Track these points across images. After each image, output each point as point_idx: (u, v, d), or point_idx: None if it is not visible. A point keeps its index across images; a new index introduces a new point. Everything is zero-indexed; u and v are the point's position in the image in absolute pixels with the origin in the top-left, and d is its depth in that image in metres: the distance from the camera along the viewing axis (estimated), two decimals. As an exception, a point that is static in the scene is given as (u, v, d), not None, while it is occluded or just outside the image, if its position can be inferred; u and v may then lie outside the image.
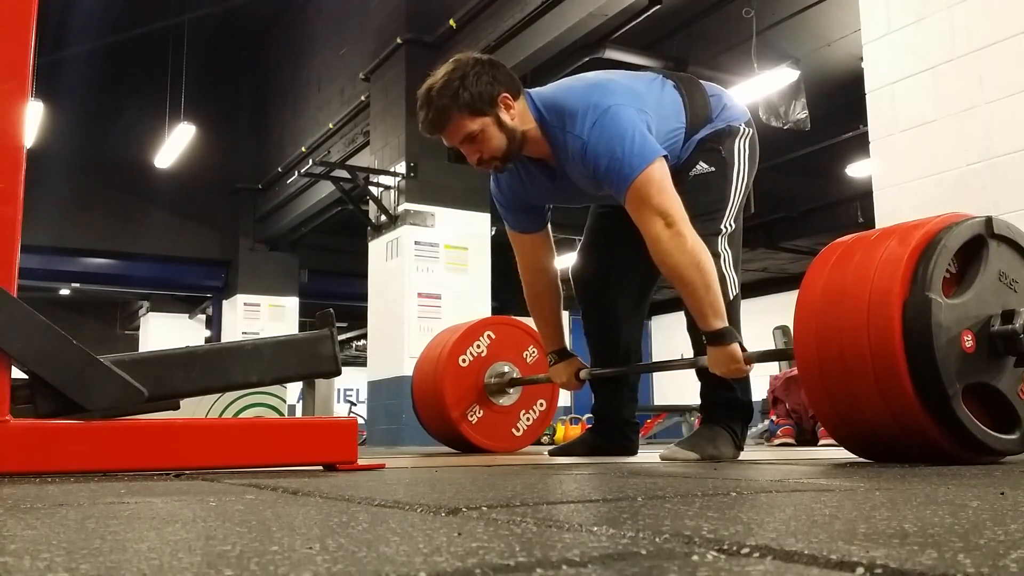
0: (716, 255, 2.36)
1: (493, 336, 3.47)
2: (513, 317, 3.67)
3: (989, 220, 1.77)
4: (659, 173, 2.24)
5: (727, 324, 2.26)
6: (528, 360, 3.51)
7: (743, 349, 2.28)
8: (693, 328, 2.44)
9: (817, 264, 1.88)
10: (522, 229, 2.74)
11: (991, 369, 1.71)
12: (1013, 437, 1.72)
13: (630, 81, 2.44)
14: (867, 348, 1.68)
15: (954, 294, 1.71)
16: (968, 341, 1.68)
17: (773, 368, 6.27)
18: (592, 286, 2.82)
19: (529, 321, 3.50)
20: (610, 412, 2.88)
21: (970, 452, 1.70)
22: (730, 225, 2.47)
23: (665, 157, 2.28)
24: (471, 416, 3.37)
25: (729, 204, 2.47)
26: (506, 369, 3.47)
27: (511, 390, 3.46)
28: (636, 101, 2.33)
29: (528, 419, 3.53)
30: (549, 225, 2.78)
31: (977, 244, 1.75)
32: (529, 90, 2.45)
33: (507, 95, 2.35)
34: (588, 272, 2.83)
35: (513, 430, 3.49)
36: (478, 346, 3.43)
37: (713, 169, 2.46)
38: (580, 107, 2.31)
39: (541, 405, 3.57)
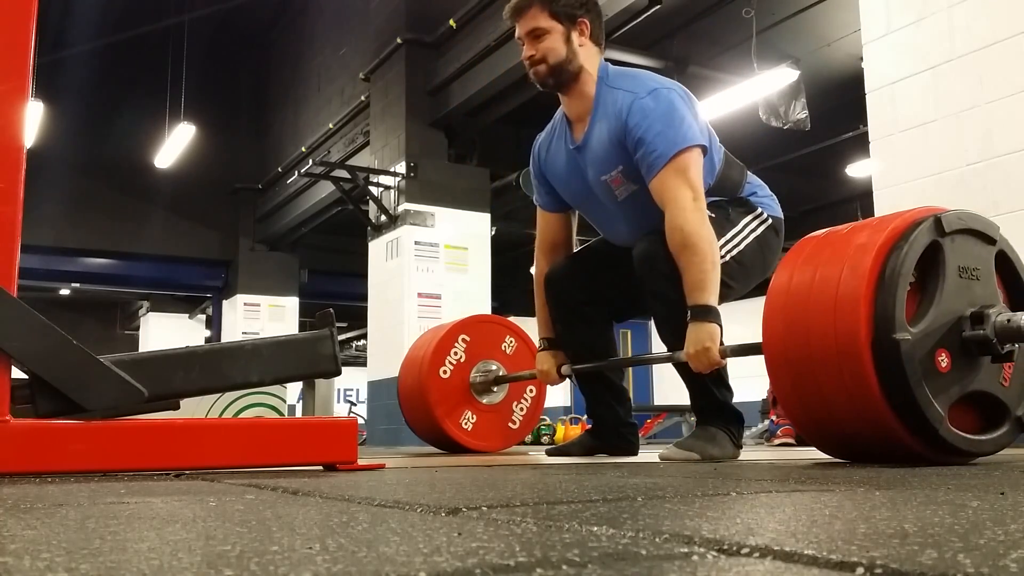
0: None
1: (468, 339, 3.45)
2: (483, 313, 3.67)
3: (938, 221, 1.71)
4: (699, 157, 2.37)
5: (716, 306, 2.28)
6: (508, 351, 3.50)
7: (721, 343, 2.29)
8: (668, 336, 2.46)
9: (779, 278, 1.84)
10: (542, 204, 2.82)
11: (970, 375, 1.69)
12: (1004, 430, 1.73)
13: (693, 97, 2.52)
14: (844, 389, 1.66)
15: (919, 314, 1.67)
16: (943, 361, 1.65)
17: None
18: (566, 286, 2.78)
19: (523, 322, 3.51)
20: (602, 414, 2.88)
21: (960, 459, 1.70)
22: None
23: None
24: (465, 424, 3.37)
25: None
26: (492, 367, 3.46)
27: (496, 388, 3.46)
28: (690, 107, 2.44)
29: (522, 409, 3.53)
30: (574, 212, 2.83)
31: (932, 249, 1.71)
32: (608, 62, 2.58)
33: (587, 24, 2.51)
34: (564, 275, 2.79)
35: (509, 424, 3.49)
36: (455, 353, 3.41)
37: (713, 216, 2.42)
38: (644, 78, 2.49)
39: (531, 392, 3.57)
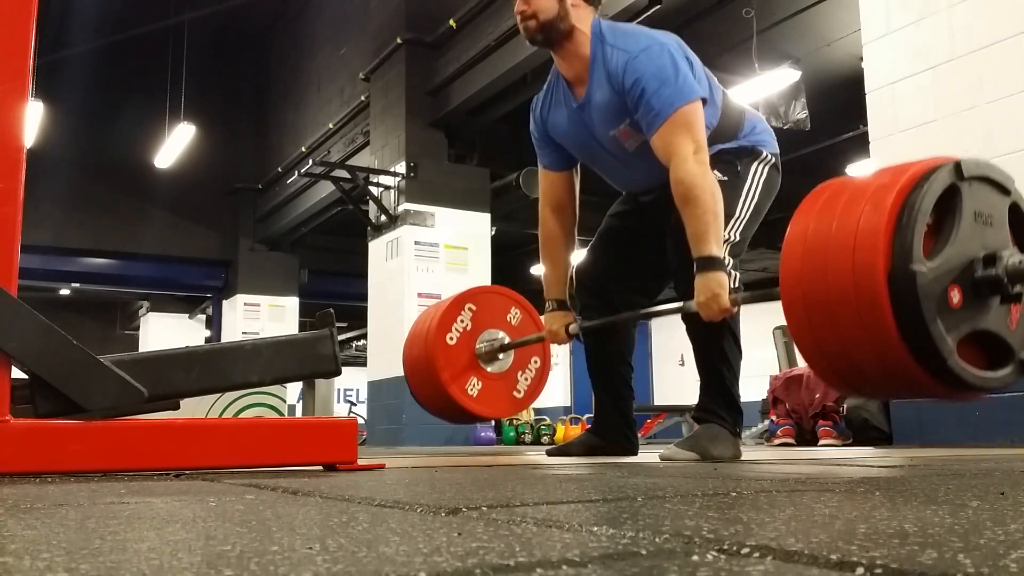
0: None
1: (474, 308, 3.49)
2: (489, 286, 3.68)
3: (958, 165, 1.77)
4: (700, 111, 2.38)
5: (721, 255, 2.29)
6: (513, 323, 3.53)
7: (732, 290, 2.30)
8: (690, 327, 2.47)
9: (793, 234, 1.90)
10: (547, 164, 2.83)
11: (980, 314, 1.75)
12: (1007, 371, 1.77)
13: (687, 49, 2.54)
14: (859, 321, 1.71)
15: (934, 250, 1.73)
16: (955, 297, 1.71)
17: (773, 369, 6.27)
18: (593, 281, 2.85)
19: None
20: (609, 411, 2.87)
21: (972, 395, 1.75)
22: (735, 235, 2.48)
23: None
24: (471, 390, 3.38)
25: (735, 216, 2.48)
26: (498, 336, 3.48)
27: (502, 355, 3.48)
28: (684, 60, 2.43)
29: (526, 379, 3.55)
30: (576, 169, 2.85)
31: (950, 192, 1.76)
32: (602, 20, 2.56)
33: None
34: (591, 269, 2.87)
35: (514, 393, 3.51)
36: (462, 321, 3.45)
37: (726, 179, 2.46)
38: (636, 34, 2.48)
39: (536, 363, 3.59)
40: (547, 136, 2.76)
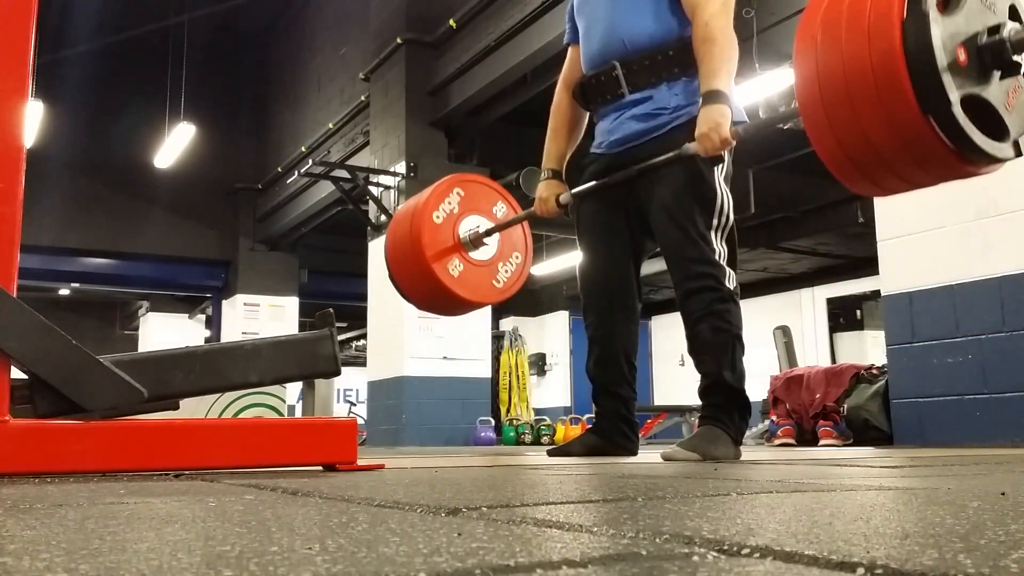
0: (714, 251, 2.49)
1: (462, 193, 3.52)
2: (478, 175, 3.69)
3: None
4: None
5: (727, 92, 2.41)
6: (498, 215, 3.55)
7: (733, 123, 2.38)
8: (692, 337, 2.51)
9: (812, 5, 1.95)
10: (571, 39, 2.96)
11: (981, 81, 1.81)
12: (1006, 144, 1.82)
13: None
14: (870, 71, 1.76)
15: (946, 11, 1.79)
16: (961, 55, 1.77)
17: (773, 368, 6.27)
18: (594, 281, 2.87)
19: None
20: (610, 411, 2.87)
21: (972, 162, 1.78)
22: (727, 219, 2.56)
23: None
24: (452, 270, 3.39)
25: (720, 206, 2.55)
26: (478, 221, 3.50)
27: (487, 240, 3.49)
28: None
29: (507, 271, 3.56)
30: None
31: None
32: None
33: None
34: (592, 269, 2.89)
35: (494, 282, 3.51)
36: (449, 203, 3.47)
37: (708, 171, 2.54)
38: None
39: (517, 257, 3.60)
40: (574, 10, 2.92)
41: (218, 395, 4.75)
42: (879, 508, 0.86)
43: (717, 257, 2.48)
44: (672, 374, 13.30)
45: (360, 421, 8.82)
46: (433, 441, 7.62)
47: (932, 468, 1.71)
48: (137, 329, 15.78)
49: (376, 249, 8.26)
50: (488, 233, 3.43)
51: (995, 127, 1.82)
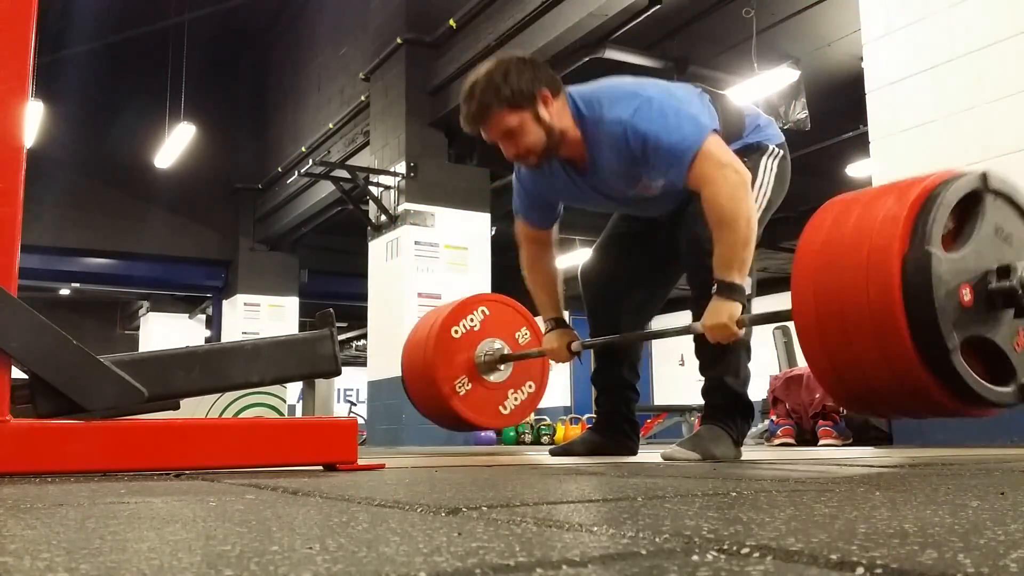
0: None
1: (487, 312, 3.48)
2: (507, 297, 3.67)
3: (985, 175, 1.76)
4: (717, 139, 2.31)
5: (741, 284, 2.27)
6: (520, 341, 3.51)
7: (742, 313, 2.29)
8: (699, 343, 2.46)
9: (814, 222, 1.88)
10: (531, 223, 2.78)
11: (988, 322, 1.72)
12: (1008, 390, 1.73)
13: (667, 84, 2.49)
14: (866, 305, 1.68)
15: (952, 248, 1.71)
16: (966, 295, 1.68)
17: (773, 368, 6.27)
18: (600, 285, 2.85)
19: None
20: (612, 410, 2.88)
21: (968, 406, 1.71)
22: None
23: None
24: (460, 388, 3.37)
25: None
26: (497, 345, 3.47)
27: (502, 367, 3.46)
28: (674, 99, 2.36)
29: (516, 399, 3.52)
30: (557, 224, 2.81)
31: (974, 199, 1.75)
32: (569, 88, 2.46)
33: (547, 91, 2.37)
34: (598, 271, 2.86)
35: (500, 408, 3.48)
36: (471, 319, 3.44)
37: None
38: (620, 95, 2.37)
39: (530, 387, 3.57)
40: (540, 198, 2.70)
41: (218, 395, 4.75)
42: (879, 508, 0.86)
43: None
44: (672, 374, 13.29)
45: (360, 421, 8.82)
46: (433, 441, 7.62)
47: (932, 468, 1.71)
48: (137, 329, 15.78)
49: (376, 249, 8.27)
50: (503, 360, 3.42)
51: (1001, 369, 1.73)
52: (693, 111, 2.34)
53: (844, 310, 1.71)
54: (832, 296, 1.74)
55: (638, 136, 2.29)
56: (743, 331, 2.31)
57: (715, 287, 2.29)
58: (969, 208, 1.75)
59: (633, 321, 2.83)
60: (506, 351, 3.45)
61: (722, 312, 2.26)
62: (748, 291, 2.33)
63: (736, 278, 2.26)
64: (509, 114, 2.35)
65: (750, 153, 2.53)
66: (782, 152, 2.61)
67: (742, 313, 2.27)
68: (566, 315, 3.01)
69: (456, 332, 3.39)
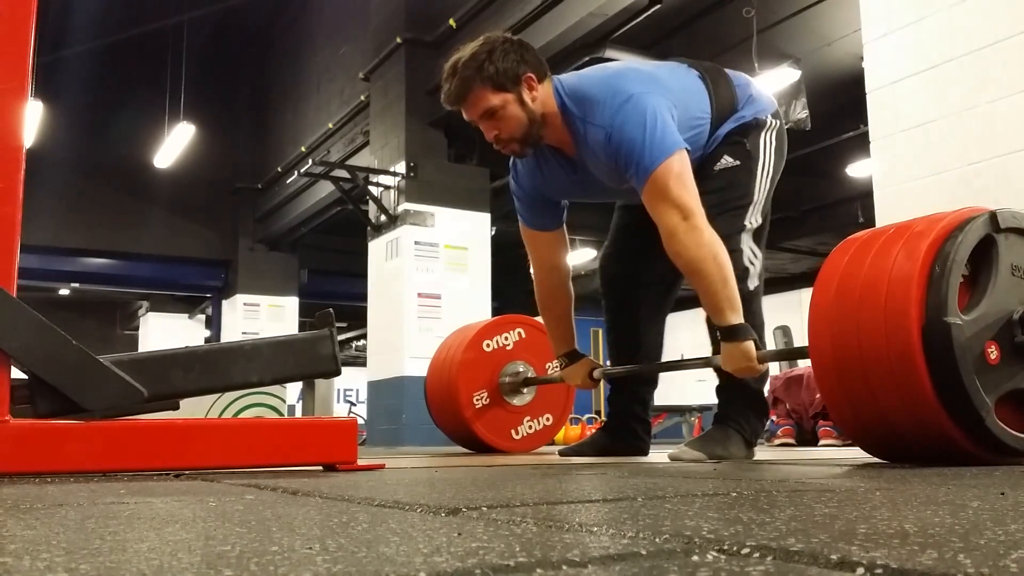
0: (738, 251, 2.36)
1: (523, 335, 3.46)
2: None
3: (994, 216, 1.72)
4: (678, 166, 2.23)
5: (743, 320, 2.23)
6: (549, 371, 3.47)
7: (758, 347, 2.24)
8: (712, 326, 2.41)
9: (825, 275, 1.81)
10: (538, 227, 2.70)
11: (1019, 373, 1.68)
12: None
13: (654, 68, 2.45)
14: (891, 377, 1.64)
15: (970, 304, 1.67)
16: (992, 353, 1.65)
17: (773, 369, 6.26)
18: (619, 281, 2.80)
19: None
20: (624, 410, 2.86)
21: (1005, 456, 1.67)
22: (755, 220, 2.44)
23: (687, 151, 2.27)
24: (477, 401, 3.35)
25: (754, 200, 2.44)
26: (521, 368, 3.46)
27: (524, 391, 3.44)
28: (659, 88, 2.32)
29: (531, 427, 3.50)
30: (565, 225, 2.75)
31: (986, 243, 1.71)
32: (557, 76, 2.43)
33: (532, 76, 2.34)
34: (617, 267, 2.81)
35: (512, 432, 3.46)
36: (506, 338, 3.42)
37: (738, 163, 2.43)
38: (602, 96, 2.31)
39: (547, 419, 3.54)
40: (539, 196, 2.64)
41: (218, 395, 4.75)
42: (879, 508, 0.86)
43: (743, 259, 2.38)
44: (672, 374, 13.24)
45: (360, 421, 8.82)
46: (433, 441, 7.61)
47: (932, 468, 1.71)
48: (137, 329, 15.77)
49: (376, 249, 8.27)
50: (527, 383, 3.40)
51: None
52: (664, 121, 2.26)
53: (868, 376, 1.67)
54: (852, 353, 1.70)
55: (614, 146, 2.27)
56: (765, 365, 2.28)
57: (719, 334, 2.26)
58: (983, 252, 1.70)
59: (653, 313, 2.79)
60: (530, 375, 3.44)
61: (737, 357, 2.23)
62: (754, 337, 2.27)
63: (732, 319, 2.21)
64: (492, 94, 2.31)
65: (748, 132, 2.49)
66: (777, 123, 2.56)
67: (756, 348, 2.24)
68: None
69: (488, 346, 3.39)
